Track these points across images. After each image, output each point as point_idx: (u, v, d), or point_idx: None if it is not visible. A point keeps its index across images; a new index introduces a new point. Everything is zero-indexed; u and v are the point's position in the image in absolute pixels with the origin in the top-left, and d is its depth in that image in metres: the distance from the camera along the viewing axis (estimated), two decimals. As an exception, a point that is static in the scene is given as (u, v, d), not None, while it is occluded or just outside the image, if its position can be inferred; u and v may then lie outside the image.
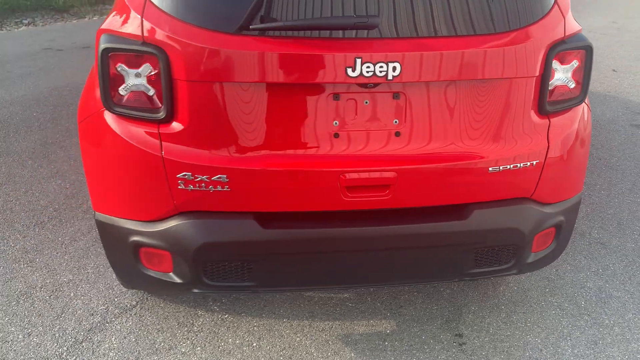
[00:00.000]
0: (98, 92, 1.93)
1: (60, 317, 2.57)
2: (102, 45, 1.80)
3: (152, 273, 2.04)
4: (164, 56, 1.76)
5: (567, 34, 1.92)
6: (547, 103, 1.97)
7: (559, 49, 1.91)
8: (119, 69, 1.82)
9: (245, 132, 1.84)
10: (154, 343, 2.42)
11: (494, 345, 2.45)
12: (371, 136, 1.88)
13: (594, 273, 2.94)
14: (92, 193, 2.09)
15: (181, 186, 1.88)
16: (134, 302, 2.66)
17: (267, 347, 2.41)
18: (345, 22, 1.71)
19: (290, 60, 1.75)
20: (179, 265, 1.96)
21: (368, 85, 1.81)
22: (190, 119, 1.82)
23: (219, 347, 2.41)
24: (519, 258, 2.09)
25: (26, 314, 2.59)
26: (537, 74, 1.91)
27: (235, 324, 2.53)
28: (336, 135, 1.87)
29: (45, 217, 3.39)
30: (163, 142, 1.86)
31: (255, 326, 2.52)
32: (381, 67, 1.76)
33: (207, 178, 1.86)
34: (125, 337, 2.45)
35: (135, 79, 1.82)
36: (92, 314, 2.58)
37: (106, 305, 2.64)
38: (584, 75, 2.00)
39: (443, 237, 1.95)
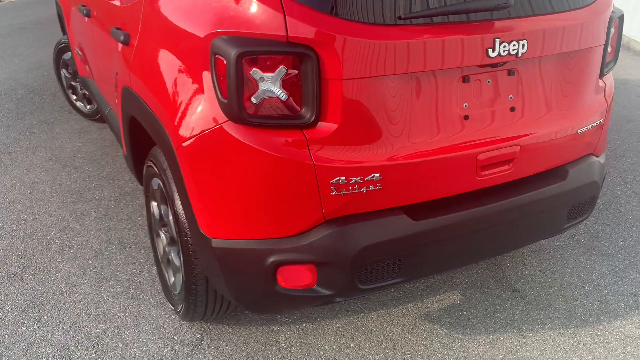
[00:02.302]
0: (209, 105, 1.71)
1: (128, 372, 2.22)
2: (236, 50, 1.60)
3: (290, 292, 1.88)
4: (313, 55, 1.63)
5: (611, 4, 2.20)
6: (604, 66, 2.24)
7: (611, 17, 2.18)
8: (253, 75, 1.63)
9: (392, 125, 1.78)
10: (253, 371, 2.23)
11: (547, 292, 2.71)
12: (492, 114, 1.95)
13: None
14: (210, 219, 1.84)
15: (334, 192, 1.76)
16: (198, 335, 2.40)
17: (366, 345, 2.37)
18: (488, 3, 1.75)
19: (437, 46, 1.74)
20: (327, 276, 1.84)
21: (499, 64, 1.88)
22: (341, 119, 1.71)
23: (319, 356, 2.30)
24: (592, 208, 2.35)
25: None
26: (603, 42, 2.16)
27: (319, 330, 2.43)
28: (466, 117, 1.90)
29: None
30: (311, 148, 1.72)
31: (339, 327, 2.45)
32: (514, 45, 1.84)
33: (360, 179, 1.77)
34: (218, 374, 2.21)
35: (271, 84, 1.66)
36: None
37: (170, 345, 2.35)
38: (618, 40, 2.31)
39: (552, 199, 2.12)
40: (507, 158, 1.98)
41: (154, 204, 2.52)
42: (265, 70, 1.64)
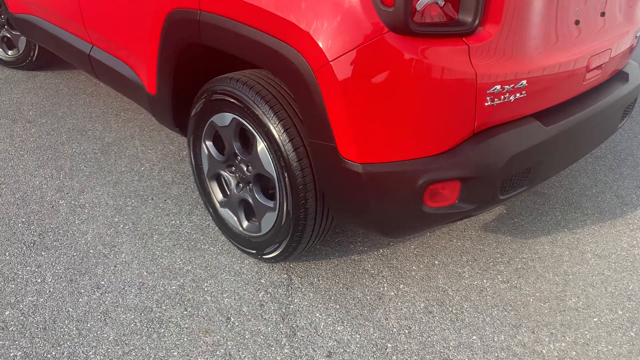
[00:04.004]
0: (364, 16, 1.58)
1: (233, 319, 2.05)
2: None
3: (434, 211, 1.85)
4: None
5: None
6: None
7: None
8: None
9: (536, 30, 1.77)
10: (358, 299, 2.18)
11: (571, 193, 2.96)
12: (594, 18, 2.02)
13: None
14: (358, 144, 1.71)
15: (488, 102, 1.73)
16: (285, 275, 2.28)
17: (449, 260, 2.43)
18: None
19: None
20: (472, 190, 1.83)
21: None
22: (500, 25, 1.67)
23: (412, 277, 2.31)
24: (633, 108, 2.57)
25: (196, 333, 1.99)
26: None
27: (398, 254, 2.43)
28: (577, 22, 1.95)
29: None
30: (472, 57, 1.66)
31: (414, 249, 2.47)
32: None
33: (512, 87, 1.76)
34: (321, 305, 2.13)
35: (435, -11, 1.56)
36: (262, 305, 2.13)
37: (262, 289, 2.21)
38: None
39: (621, 99, 2.28)
40: (603, 62, 2.08)
41: (209, 143, 2.28)
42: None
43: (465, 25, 1.61)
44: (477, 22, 1.61)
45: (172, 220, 2.57)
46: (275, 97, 1.94)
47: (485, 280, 2.31)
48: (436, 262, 2.40)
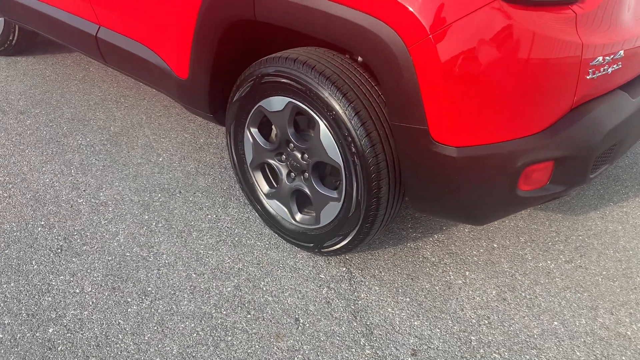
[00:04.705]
0: None
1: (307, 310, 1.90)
2: None
3: (527, 194, 1.73)
4: None
5: None
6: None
7: None
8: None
9: (630, -1, 1.66)
10: (424, 290, 2.06)
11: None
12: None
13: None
14: (456, 125, 1.56)
15: (589, 75, 1.61)
16: (344, 269, 2.13)
17: (507, 242, 2.33)
18: None
19: None
20: (565, 171, 1.71)
21: None
22: (605, -8, 1.54)
23: (475, 262, 2.21)
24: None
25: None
26: None
27: (454, 239, 2.31)
28: None
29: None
30: (578, 26, 1.53)
31: (469, 232, 2.36)
32: None
33: (610, 58, 1.64)
34: (390, 298, 2.00)
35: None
36: (329, 302, 1.98)
37: (324, 285, 2.05)
38: None
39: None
40: None
41: (254, 131, 2.09)
42: None
43: (572, -8, 1.47)
44: (583, -11, 1.47)
45: (207, 214, 2.37)
46: (340, 77, 1.76)
47: (549, 262, 2.22)
48: (495, 245, 2.30)
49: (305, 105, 1.84)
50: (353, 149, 1.77)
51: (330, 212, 1.98)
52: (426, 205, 1.81)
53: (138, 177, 2.59)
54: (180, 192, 2.51)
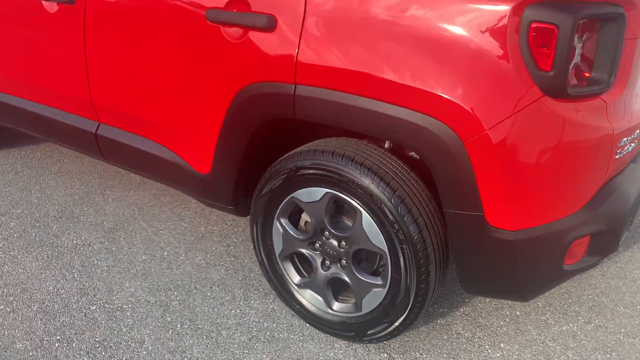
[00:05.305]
0: (517, 82, 1.55)
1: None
2: (575, 16, 1.48)
3: (569, 267, 1.83)
4: (623, 15, 1.59)
5: None
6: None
7: None
8: (575, 42, 1.53)
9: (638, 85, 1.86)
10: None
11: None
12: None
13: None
14: (512, 210, 1.65)
15: (617, 155, 1.76)
16: (385, 355, 2.13)
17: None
18: None
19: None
20: (600, 243, 1.84)
21: None
22: (627, 80, 1.72)
23: (500, 333, 2.27)
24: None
25: None
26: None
27: (479, 311, 2.38)
28: None
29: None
30: (608, 113, 1.69)
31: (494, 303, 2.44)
32: None
33: (631, 138, 1.81)
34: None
35: (580, 49, 1.58)
36: None
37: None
38: None
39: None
40: None
41: (284, 221, 2.10)
42: (580, 35, 1.55)
43: (603, 83, 1.63)
44: (612, 79, 1.64)
45: (231, 309, 2.31)
46: (381, 166, 1.82)
47: (571, 324, 2.32)
48: (518, 313, 2.37)
49: (346, 196, 1.88)
50: (401, 236, 1.81)
51: (373, 299, 1.99)
52: (478, 286, 1.86)
53: (148, 276, 2.50)
54: (196, 287, 2.44)
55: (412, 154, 2.10)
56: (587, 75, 1.64)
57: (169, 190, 3.24)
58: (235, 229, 2.89)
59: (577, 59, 1.57)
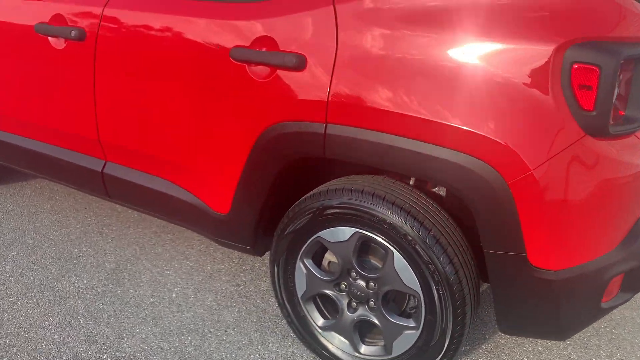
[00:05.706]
0: (559, 122, 1.56)
1: None
2: (619, 57, 1.49)
3: (606, 305, 1.82)
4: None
5: None
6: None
7: None
8: (616, 82, 1.55)
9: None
10: None
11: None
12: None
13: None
14: (555, 250, 1.63)
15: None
16: None
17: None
18: None
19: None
20: (632, 280, 1.84)
21: None
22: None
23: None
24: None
25: None
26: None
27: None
28: None
29: None
30: (639, 150, 1.71)
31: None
32: None
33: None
34: None
35: (618, 89, 1.60)
36: None
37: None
38: None
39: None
40: None
41: (308, 262, 2.04)
42: (620, 75, 1.56)
43: (637, 121, 1.65)
44: (643, 119, 1.65)
45: (249, 354, 2.22)
46: (413, 205, 1.79)
47: (594, 359, 2.30)
48: (540, 349, 2.35)
49: (377, 236, 1.84)
50: (437, 277, 1.77)
51: (405, 342, 1.94)
52: (518, 326, 1.83)
53: (158, 320, 2.39)
54: (210, 331, 2.34)
55: (437, 189, 2.08)
56: (621, 113, 1.65)
57: (170, 226, 3.15)
58: (244, 267, 2.80)
59: (616, 96, 1.57)
